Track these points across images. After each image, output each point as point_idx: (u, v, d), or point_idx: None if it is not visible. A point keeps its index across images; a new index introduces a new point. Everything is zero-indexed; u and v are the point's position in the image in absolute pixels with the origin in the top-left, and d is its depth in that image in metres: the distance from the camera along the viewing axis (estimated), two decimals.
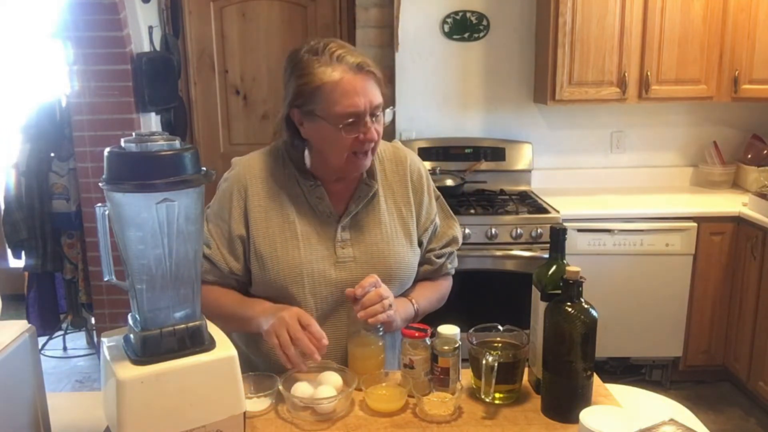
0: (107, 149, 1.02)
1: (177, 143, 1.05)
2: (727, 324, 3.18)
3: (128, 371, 1.03)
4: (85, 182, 3.29)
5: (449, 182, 3.29)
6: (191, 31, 3.88)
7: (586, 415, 1.06)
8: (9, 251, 3.44)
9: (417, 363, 1.30)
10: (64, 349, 3.88)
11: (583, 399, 1.20)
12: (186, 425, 1.06)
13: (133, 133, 1.04)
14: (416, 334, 1.31)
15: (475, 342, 1.30)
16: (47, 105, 3.33)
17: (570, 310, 1.17)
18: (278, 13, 3.86)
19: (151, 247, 1.04)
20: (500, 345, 1.32)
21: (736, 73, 3.21)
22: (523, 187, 3.51)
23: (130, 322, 1.10)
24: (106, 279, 1.08)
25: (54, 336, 3.84)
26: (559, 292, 1.20)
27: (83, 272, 3.45)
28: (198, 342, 1.10)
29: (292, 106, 1.36)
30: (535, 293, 1.29)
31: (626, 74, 3.21)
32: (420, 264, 1.53)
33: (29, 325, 1.12)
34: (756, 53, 3.14)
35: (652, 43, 3.19)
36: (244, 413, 1.14)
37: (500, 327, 1.34)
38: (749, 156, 3.54)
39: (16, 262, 3.59)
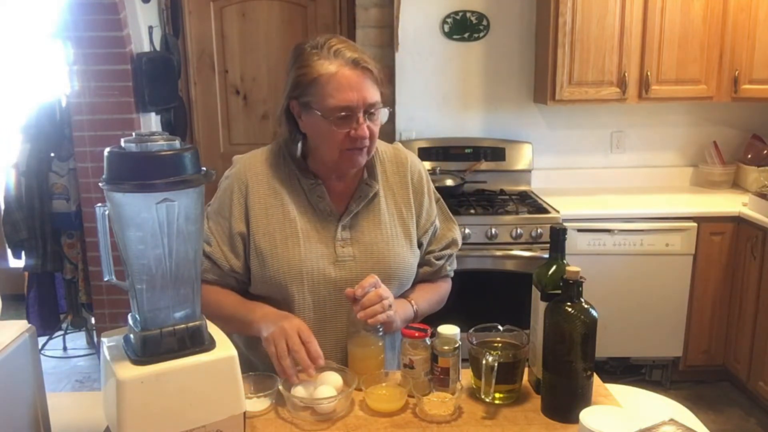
0: (107, 149, 1.02)
1: (177, 143, 1.05)
2: (727, 324, 3.18)
3: (128, 371, 1.03)
4: (85, 182, 3.29)
5: (449, 182, 3.29)
6: (191, 31, 3.88)
7: (586, 415, 1.06)
8: (9, 251, 3.44)
9: (417, 363, 1.30)
10: (64, 349, 3.88)
11: (583, 399, 1.20)
12: (186, 425, 1.06)
13: (133, 133, 1.04)
14: (416, 334, 1.31)
15: (475, 342, 1.30)
16: (47, 105, 3.33)
17: (570, 310, 1.17)
18: (278, 13, 3.86)
19: (151, 247, 1.04)
20: (500, 345, 1.32)
21: (736, 73, 3.21)
22: (523, 187, 3.51)
23: (130, 322, 1.10)
24: (106, 279, 1.08)
25: (54, 336, 3.84)
26: (559, 292, 1.20)
27: (83, 272, 3.45)
28: (198, 342, 1.10)
29: (291, 97, 1.38)
30: (535, 293, 1.29)
31: (626, 74, 3.21)
32: (419, 266, 1.53)
33: (29, 325, 1.12)
34: (756, 53, 3.14)
35: (652, 43, 3.19)
36: (244, 413, 1.14)
37: (500, 327, 1.34)
38: (749, 156, 3.54)
39: (16, 262, 3.59)
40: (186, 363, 1.06)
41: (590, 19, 3.16)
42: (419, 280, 1.55)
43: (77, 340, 3.95)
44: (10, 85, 4.23)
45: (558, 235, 1.28)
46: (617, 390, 1.37)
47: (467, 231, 2.95)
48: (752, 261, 2.98)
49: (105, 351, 1.11)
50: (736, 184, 3.56)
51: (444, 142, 3.52)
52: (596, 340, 1.18)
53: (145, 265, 1.05)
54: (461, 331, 1.30)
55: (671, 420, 1.06)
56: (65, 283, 3.51)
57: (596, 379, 1.28)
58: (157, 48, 3.50)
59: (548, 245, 1.31)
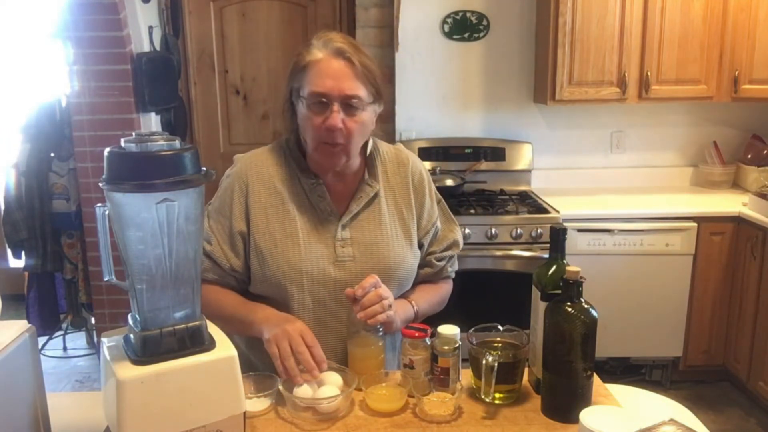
0: (107, 149, 1.02)
1: (177, 143, 1.05)
2: (727, 324, 3.18)
3: (128, 371, 1.03)
4: (85, 182, 3.29)
5: (449, 182, 3.29)
6: (191, 31, 3.88)
7: (586, 415, 1.06)
8: (9, 251, 3.44)
9: (417, 363, 1.30)
10: (64, 349, 3.88)
11: (583, 399, 1.20)
12: (186, 425, 1.06)
13: (133, 133, 1.04)
14: (416, 334, 1.31)
15: (475, 342, 1.30)
16: (47, 105, 3.33)
17: (570, 310, 1.17)
18: (278, 13, 3.86)
19: (151, 247, 1.04)
20: (500, 345, 1.32)
21: (736, 73, 3.21)
22: (523, 187, 3.51)
23: (130, 322, 1.10)
24: (106, 279, 1.08)
25: (54, 336, 3.84)
26: (559, 292, 1.20)
27: (83, 272, 3.45)
28: (198, 342, 1.10)
29: (289, 84, 1.40)
30: (535, 293, 1.29)
31: (626, 74, 3.21)
32: (421, 267, 1.54)
33: (29, 325, 1.12)
34: (756, 53, 3.14)
35: (652, 43, 3.19)
36: (244, 413, 1.14)
37: (500, 327, 1.34)
38: (749, 156, 3.54)
39: (16, 262, 3.59)
40: (186, 363, 1.06)
41: (590, 19, 3.16)
42: (420, 281, 1.55)
43: (77, 340, 3.95)
44: (10, 85, 4.23)
45: (558, 235, 1.28)
46: (617, 390, 1.37)
47: (467, 231, 2.95)
48: (752, 261, 2.98)
49: (105, 351, 1.11)
50: (736, 184, 3.56)
51: (444, 142, 3.52)
52: (596, 340, 1.18)
53: (145, 265, 1.05)
54: (461, 331, 1.30)
55: (671, 420, 1.06)
56: (65, 283, 3.51)
57: (596, 379, 1.28)
58: (157, 48, 3.50)
59: (548, 245, 1.31)
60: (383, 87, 1.43)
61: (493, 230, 2.99)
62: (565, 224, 2.87)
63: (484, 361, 1.21)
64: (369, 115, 1.38)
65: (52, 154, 3.34)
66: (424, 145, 3.49)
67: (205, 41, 3.90)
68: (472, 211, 3.07)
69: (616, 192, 3.49)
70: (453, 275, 1.63)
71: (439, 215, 1.57)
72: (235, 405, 1.11)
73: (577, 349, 1.18)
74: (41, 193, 3.32)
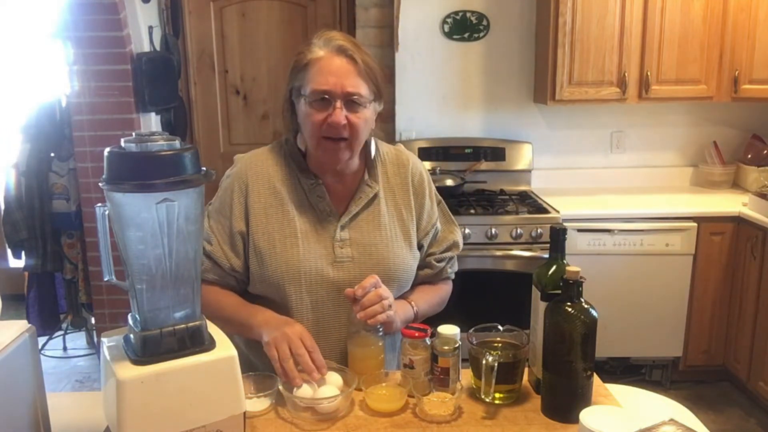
0: (107, 149, 1.02)
1: (177, 143, 1.05)
2: (727, 324, 3.18)
3: (128, 371, 1.03)
4: (85, 182, 3.29)
5: (449, 182, 3.29)
6: (191, 31, 3.88)
7: (586, 415, 1.06)
8: (9, 251, 3.44)
9: (417, 363, 1.30)
10: (64, 349, 3.88)
11: (583, 399, 1.20)
12: (186, 425, 1.06)
13: (133, 133, 1.04)
14: (416, 334, 1.31)
15: (475, 342, 1.30)
16: (47, 105, 3.33)
17: (570, 310, 1.17)
18: (278, 13, 3.86)
19: (151, 247, 1.04)
20: (500, 345, 1.32)
21: (736, 73, 3.21)
22: (523, 187, 3.51)
23: (130, 322, 1.10)
24: (106, 279, 1.08)
25: (54, 336, 3.84)
26: (559, 292, 1.20)
27: (83, 272, 3.45)
28: (198, 342, 1.10)
29: (289, 83, 1.40)
30: (535, 293, 1.29)
31: (626, 74, 3.21)
32: (420, 268, 1.54)
33: (29, 325, 1.12)
34: (756, 53, 3.14)
35: (652, 43, 3.19)
36: (244, 413, 1.14)
37: (500, 327, 1.34)
38: (749, 156, 3.54)
39: (16, 262, 3.59)
40: (186, 363, 1.06)
41: (590, 19, 3.16)
42: (420, 282, 1.55)
43: (77, 340, 3.95)
44: (10, 85, 4.23)
45: (558, 235, 1.28)
46: (617, 390, 1.37)
47: (467, 231, 2.95)
48: (752, 261, 2.98)
49: (105, 351, 1.11)
50: (736, 184, 3.56)
51: (444, 142, 3.52)
52: (596, 340, 1.18)
53: (145, 265, 1.05)
54: (461, 331, 1.30)
55: (671, 420, 1.06)
56: (65, 283, 3.51)
57: (596, 379, 1.28)
58: (157, 48, 3.50)
59: (548, 245, 1.31)
60: (384, 86, 1.43)
61: (493, 230, 2.99)
62: (565, 224, 2.87)
63: (484, 361, 1.21)
64: (370, 112, 1.39)
65: (52, 154, 3.34)
66: (424, 145, 3.49)
67: (205, 41, 3.90)
68: (472, 211, 3.07)
69: (616, 192, 3.49)
70: (453, 276, 1.63)
71: (439, 216, 1.57)
72: (235, 405, 1.11)
73: (577, 349, 1.18)
74: (41, 193, 3.32)
